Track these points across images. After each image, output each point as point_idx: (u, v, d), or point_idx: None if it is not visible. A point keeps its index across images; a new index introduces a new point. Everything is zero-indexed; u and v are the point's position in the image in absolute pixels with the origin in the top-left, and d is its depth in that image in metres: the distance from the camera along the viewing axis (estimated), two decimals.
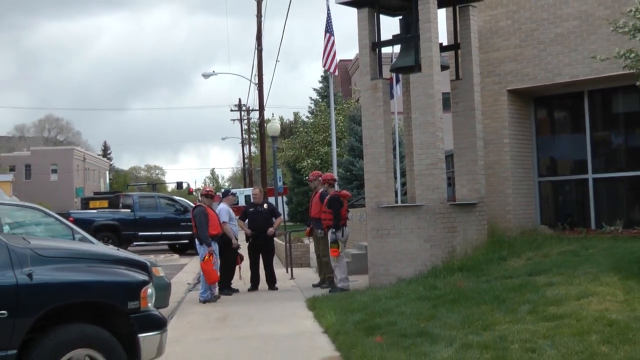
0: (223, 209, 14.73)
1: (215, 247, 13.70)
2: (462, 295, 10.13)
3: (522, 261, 12.21)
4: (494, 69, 14.93)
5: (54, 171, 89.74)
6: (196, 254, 15.30)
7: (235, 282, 14.81)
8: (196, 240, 13.93)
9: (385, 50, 15.46)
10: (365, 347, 8.03)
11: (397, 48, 15.16)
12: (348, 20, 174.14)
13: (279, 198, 28.27)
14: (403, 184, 20.56)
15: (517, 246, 13.15)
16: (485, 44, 14.94)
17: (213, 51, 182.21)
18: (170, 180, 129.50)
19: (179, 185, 74.52)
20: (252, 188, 33.11)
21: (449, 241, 13.09)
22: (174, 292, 12.97)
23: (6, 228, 11.14)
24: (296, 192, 47.30)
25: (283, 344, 9.20)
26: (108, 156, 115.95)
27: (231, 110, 62.75)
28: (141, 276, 6.82)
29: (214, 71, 45.35)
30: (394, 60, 14.58)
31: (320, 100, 48.17)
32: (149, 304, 6.76)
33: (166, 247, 28.68)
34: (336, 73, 19.81)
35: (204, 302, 13.37)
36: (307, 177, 28.36)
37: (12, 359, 6.03)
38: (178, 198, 30.20)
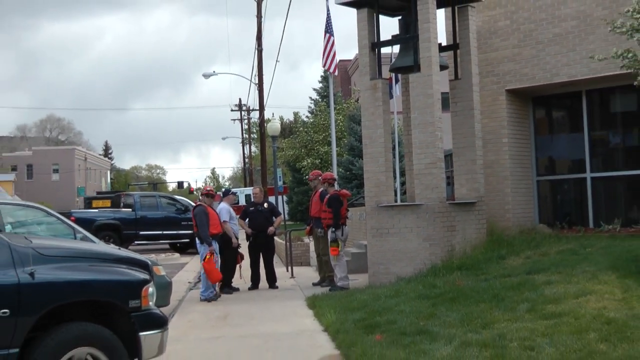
0: (223, 208, 14.78)
1: (215, 246, 13.75)
2: (461, 293, 10.16)
3: (521, 260, 12.24)
4: (492, 69, 14.97)
5: (56, 171, 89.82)
6: (197, 253, 15.34)
7: (235, 281, 14.85)
8: (197, 239, 13.99)
9: (385, 50, 15.54)
10: (365, 346, 8.06)
11: (396, 48, 15.22)
12: (348, 20, 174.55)
13: (279, 197, 28.30)
14: (402, 184, 20.62)
15: (516, 245, 13.19)
16: (484, 44, 14.98)
17: (213, 51, 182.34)
18: (171, 179, 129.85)
19: (180, 184, 74.47)
20: (252, 187, 33.15)
21: (448, 240, 13.14)
22: (174, 291, 13.01)
23: (8, 227, 11.17)
24: (296, 192, 47.33)
25: (283, 343, 9.23)
26: (109, 156, 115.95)
27: (231, 110, 62.82)
28: (142, 275, 6.83)
29: (214, 71, 45.42)
30: (393, 60, 14.63)
31: (320, 100, 48.20)
32: (150, 303, 6.77)
33: (167, 246, 28.72)
34: (336, 73, 19.84)
35: (208, 300, 13.41)
36: (307, 177, 28.41)
37: (14, 358, 6.03)
38: (179, 197, 30.25)
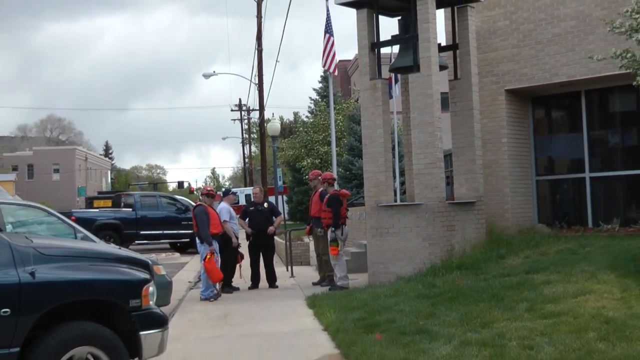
0: (224, 208, 14.82)
1: (215, 245, 13.78)
2: (460, 293, 10.19)
3: (520, 259, 12.26)
4: (492, 69, 14.99)
5: (56, 171, 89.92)
6: (197, 252, 15.37)
7: (235, 281, 14.88)
8: (197, 239, 14.03)
9: (384, 50, 15.57)
10: (364, 345, 8.08)
11: (396, 48, 15.25)
12: (347, 20, 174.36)
13: (279, 197, 28.33)
14: (402, 183, 20.64)
15: (515, 244, 13.21)
16: (483, 44, 15.00)
17: (214, 51, 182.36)
18: (172, 179, 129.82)
19: (180, 184, 74.50)
20: (252, 187, 33.15)
21: (448, 240, 13.16)
22: (175, 290, 13.03)
23: (9, 227, 11.18)
24: (296, 191, 47.35)
25: (283, 342, 9.26)
26: (110, 156, 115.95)
27: (232, 110, 62.83)
28: (142, 274, 6.85)
29: (214, 71, 45.47)
30: (393, 60, 14.66)
31: (319, 100, 48.23)
32: (151, 302, 6.79)
33: (167, 245, 28.78)
34: (336, 73, 19.86)
35: (209, 299, 13.44)
36: (307, 177, 28.42)
37: (15, 357, 6.05)
38: (179, 197, 30.31)
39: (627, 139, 14.82)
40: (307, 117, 50.89)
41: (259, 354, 8.70)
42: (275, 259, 16.65)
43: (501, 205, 14.76)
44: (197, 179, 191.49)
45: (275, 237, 17.51)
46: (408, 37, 13.75)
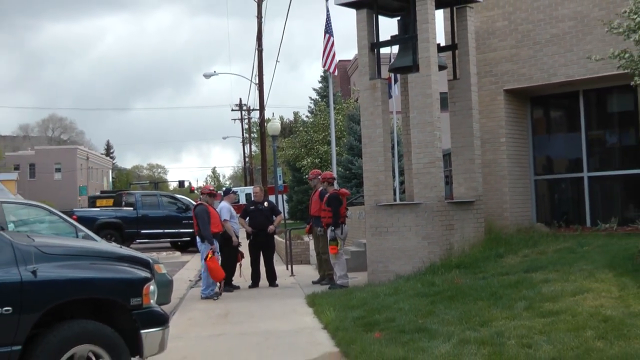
0: (224, 207, 14.85)
1: (215, 244, 13.82)
2: (459, 291, 10.22)
3: (519, 258, 12.30)
4: (490, 69, 15.04)
5: (58, 170, 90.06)
6: (197, 251, 15.42)
7: (235, 279, 14.93)
8: (197, 238, 14.07)
9: (384, 50, 15.61)
10: (364, 343, 8.12)
11: (395, 48, 15.31)
12: (347, 21, 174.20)
13: (279, 196, 28.35)
14: (401, 183, 20.68)
15: (514, 243, 13.25)
16: (482, 45, 15.05)
17: (214, 52, 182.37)
18: (172, 178, 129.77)
19: (181, 183, 74.64)
20: (252, 186, 33.19)
21: (447, 239, 13.21)
22: (175, 289, 13.07)
23: (11, 226, 11.21)
24: (296, 191, 47.37)
25: (283, 340, 9.29)
26: (111, 155, 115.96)
27: (232, 110, 62.79)
28: (143, 273, 6.87)
29: (215, 71, 45.49)
30: (392, 60, 14.70)
31: (319, 100, 48.25)
32: (151, 301, 6.82)
33: (168, 244, 28.83)
34: (335, 73, 19.89)
35: (215, 297, 13.49)
36: (306, 176, 28.46)
37: (17, 355, 6.08)
38: (180, 196, 30.37)
39: (624, 139, 14.87)
40: (307, 116, 50.93)
41: (259, 352, 8.72)
42: (275, 257, 16.70)
43: (500, 205, 14.81)
44: (197, 178, 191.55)
45: (276, 236, 17.56)
46: (407, 37, 13.80)
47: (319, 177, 14.93)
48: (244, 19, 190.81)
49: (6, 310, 6.02)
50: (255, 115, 54.15)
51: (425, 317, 9.14)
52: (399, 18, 14.47)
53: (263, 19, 35.73)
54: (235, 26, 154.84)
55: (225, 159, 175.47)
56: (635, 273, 9.77)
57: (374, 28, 14.18)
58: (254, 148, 71.85)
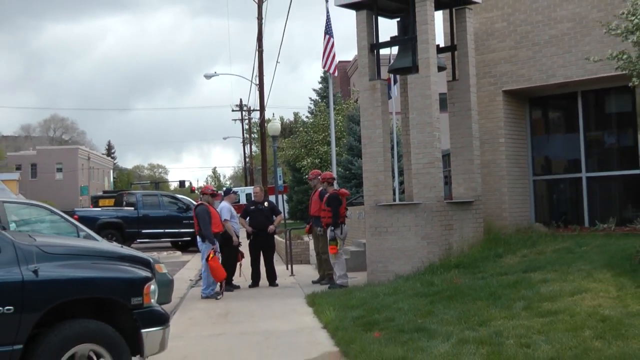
0: (224, 207, 14.89)
1: (216, 244, 13.86)
2: (458, 291, 10.24)
3: (517, 258, 12.32)
4: (489, 70, 15.08)
5: (59, 170, 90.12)
6: (198, 251, 15.46)
7: (236, 279, 14.97)
8: (198, 237, 14.12)
9: (384, 51, 15.66)
10: (363, 343, 8.14)
11: (395, 49, 15.33)
12: (347, 22, 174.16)
13: (280, 196, 28.38)
14: (401, 183, 20.71)
15: (513, 244, 13.28)
16: (481, 46, 15.09)
17: (215, 52, 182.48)
18: (173, 178, 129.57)
19: (182, 183, 74.67)
20: (253, 186, 33.21)
21: (446, 239, 13.25)
22: (176, 289, 13.08)
23: (12, 225, 11.22)
24: (296, 191, 47.39)
25: (283, 340, 9.31)
26: (112, 155, 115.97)
27: (232, 111, 62.74)
28: (144, 273, 6.90)
29: (215, 72, 45.53)
30: (392, 61, 14.73)
31: (319, 100, 48.28)
32: (152, 300, 6.84)
33: (169, 244, 28.86)
34: (335, 74, 19.92)
35: (218, 297, 13.53)
36: (306, 176, 28.48)
37: (18, 354, 6.11)
38: (180, 196, 30.39)
39: (622, 140, 14.90)
40: (307, 117, 50.95)
41: (259, 352, 8.75)
42: (276, 257, 16.72)
43: (499, 205, 14.85)
44: (198, 179, 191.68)
45: (276, 236, 17.60)
46: (407, 38, 13.84)
47: (319, 177, 14.96)
48: (244, 20, 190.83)
49: (8, 310, 6.05)
50: (256, 115, 54.25)
51: (425, 317, 9.16)
52: (398, 19, 14.49)
53: (263, 20, 35.80)
54: (236, 27, 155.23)
55: (226, 159, 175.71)
56: (633, 273, 9.79)
57: (373, 29, 14.21)
58: (254, 148, 71.86)
